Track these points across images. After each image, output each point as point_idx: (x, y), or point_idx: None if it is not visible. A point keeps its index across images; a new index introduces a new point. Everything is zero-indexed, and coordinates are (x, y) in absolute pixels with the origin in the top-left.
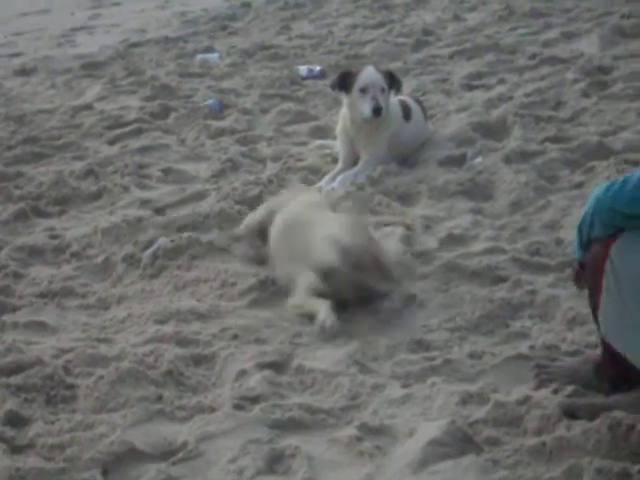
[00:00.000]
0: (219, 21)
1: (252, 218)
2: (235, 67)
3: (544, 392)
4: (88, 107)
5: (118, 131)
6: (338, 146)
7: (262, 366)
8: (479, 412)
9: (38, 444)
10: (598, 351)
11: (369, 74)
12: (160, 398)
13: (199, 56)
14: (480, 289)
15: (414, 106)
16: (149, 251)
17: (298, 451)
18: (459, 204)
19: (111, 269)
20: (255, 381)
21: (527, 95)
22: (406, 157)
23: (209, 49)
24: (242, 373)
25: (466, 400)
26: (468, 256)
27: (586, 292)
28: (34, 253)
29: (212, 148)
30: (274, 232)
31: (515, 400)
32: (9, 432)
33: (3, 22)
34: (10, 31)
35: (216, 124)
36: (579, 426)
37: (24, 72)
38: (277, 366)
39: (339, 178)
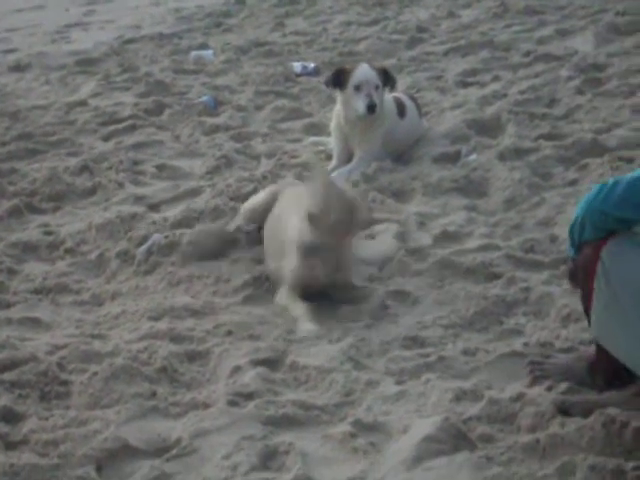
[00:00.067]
0: (213, 18)
1: (252, 202)
2: (229, 64)
3: (538, 389)
4: (82, 103)
5: (112, 127)
6: (332, 143)
7: (256, 362)
8: (473, 409)
9: (32, 440)
10: (592, 348)
11: (363, 71)
12: (154, 394)
13: (193, 53)
14: (474, 286)
15: (408, 103)
16: (143, 247)
17: (292, 447)
18: (453, 201)
19: (105, 265)
20: (249, 377)
21: (521, 92)
22: (400, 154)
23: (203, 46)
24: (236, 369)
25: (460, 397)
26: (462, 253)
27: (580, 290)
28: (28, 249)
29: (206, 145)
30: (265, 227)
31: (509, 397)
32: (3, 428)
33: None
34: (4, 27)
35: (210, 121)
36: (573, 423)
37: (18, 68)
38: (271, 362)
39: (333, 175)
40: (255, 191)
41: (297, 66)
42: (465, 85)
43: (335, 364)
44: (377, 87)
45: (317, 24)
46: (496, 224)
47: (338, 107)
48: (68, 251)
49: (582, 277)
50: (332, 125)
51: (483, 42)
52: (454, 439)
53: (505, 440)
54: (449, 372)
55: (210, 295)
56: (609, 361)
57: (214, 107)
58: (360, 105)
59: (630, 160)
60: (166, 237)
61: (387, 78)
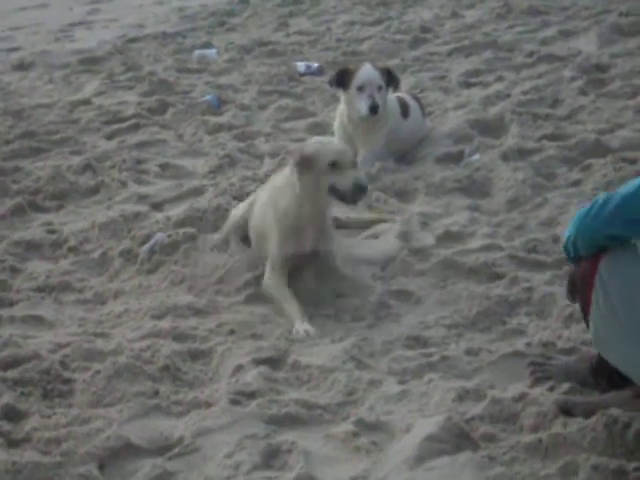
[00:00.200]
0: (217, 17)
1: (234, 215)
2: (233, 63)
3: (540, 389)
4: (86, 102)
5: (116, 126)
6: None
7: (258, 361)
8: (475, 408)
9: (34, 438)
10: (593, 349)
11: (366, 72)
12: (157, 393)
13: (197, 52)
14: (477, 286)
15: (412, 103)
16: (146, 246)
17: (294, 446)
18: (456, 201)
19: (108, 264)
20: (251, 376)
21: (525, 93)
22: (404, 154)
23: (207, 45)
24: (239, 368)
25: (462, 396)
26: (465, 253)
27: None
28: (31, 248)
29: (210, 144)
30: (249, 227)
31: (511, 397)
32: (5, 426)
33: (1, 16)
34: (8, 25)
35: (214, 120)
36: (575, 423)
37: (22, 67)
38: (273, 362)
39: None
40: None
41: (301, 66)
42: (468, 85)
43: (337, 363)
44: (380, 88)
45: (321, 24)
46: (499, 224)
47: (342, 107)
48: (71, 250)
49: (581, 288)
50: (335, 125)
51: (486, 42)
52: (457, 439)
53: (508, 440)
54: (452, 372)
55: (213, 294)
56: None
57: (217, 106)
58: (362, 106)
59: (633, 161)
60: (169, 236)
61: (391, 78)
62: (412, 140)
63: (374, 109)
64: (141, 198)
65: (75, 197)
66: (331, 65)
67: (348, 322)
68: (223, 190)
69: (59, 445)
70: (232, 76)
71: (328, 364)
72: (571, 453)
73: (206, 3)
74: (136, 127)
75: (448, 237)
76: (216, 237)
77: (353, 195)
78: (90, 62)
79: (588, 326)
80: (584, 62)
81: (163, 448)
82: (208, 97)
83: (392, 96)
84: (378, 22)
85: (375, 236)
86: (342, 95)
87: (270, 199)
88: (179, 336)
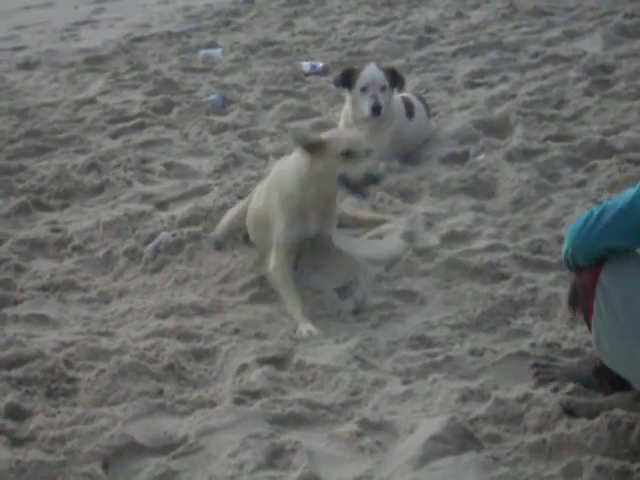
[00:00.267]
0: (222, 16)
1: (225, 218)
2: (238, 63)
3: (544, 390)
4: (91, 101)
5: (121, 125)
6: None
7: (263, 361)
8: (480, 409)
9: (39, 437)
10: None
11: (370, 72)
12: (161, 392)
13: (202, 51)
14: (482, 286)
15: (417, 103)
16: (151, 245)
17: (298, 446)
18: (461, 201)
19: (113, 263)
20: (256, 376)
21: (530, 93)
22: (409, 154)
23: (212, 44)
24: (243, 368)
25: (467, 397)
26: (470, 253)
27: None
28: (36, 246)
29: (215, 143)
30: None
31: (515, 397)
32: (10, 425)
33: (6, 15)
34: (13, 24)
35: (219, 119)
36: (579, 424)
37: (27, 66)
38: (278, 361)
39: None
40: None
41: (306, 65)
42: (473, 86)
43: (342, 363)
44: (384, 88)
45: (326, 24)
46: (504, 225)
47: (347, 106)
48: (76, 249)
49: (583, 297)
50: (340, 124)
51: (492, 43)
52: (461, 439)
53: (512, 440)
54: (456, 372)
55: (217, 293)
56: None
57: (222, 106)
58: (365, 106)
59: (638, 162)
60: (174, 235)
61: (395, 78)
62: (417, 140)
63: (376, 110)
64: (146, 197)
65: (80, 196)
66: (336, 65)
67: (352, 322)
68: (228, 190)
69: (63, 444)
70: (237, 76)
71: (332, 364)
72: (575, 454)
73: (211, 3)
74: (141, 126)
75: (453, 237)
76: (210, 235)
77: (364, 185)
78: (95, 61)
79: (589, 327)
80: (589, 63)
81: (167, 447)
82: (213, 97)
83: (397, 96)
84: (383, 22)
85: (379, 236)
86: (347, 95)
87: (274, 182)
88: (183, 335)
